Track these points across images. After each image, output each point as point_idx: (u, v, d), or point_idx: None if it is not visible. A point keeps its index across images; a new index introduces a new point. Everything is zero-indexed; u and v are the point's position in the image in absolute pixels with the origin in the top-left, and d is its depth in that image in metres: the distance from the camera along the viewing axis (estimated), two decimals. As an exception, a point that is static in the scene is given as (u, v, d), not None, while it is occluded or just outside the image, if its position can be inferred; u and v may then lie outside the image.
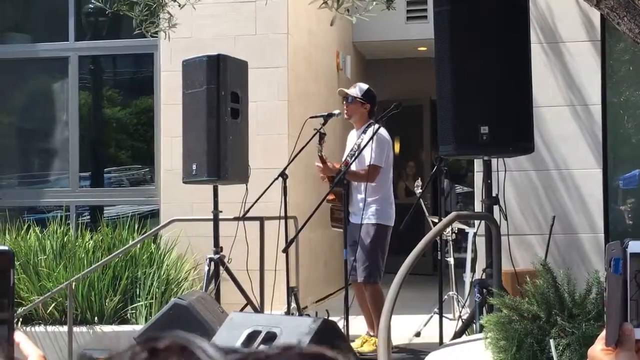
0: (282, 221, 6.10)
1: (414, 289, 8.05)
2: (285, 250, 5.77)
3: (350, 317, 5.87)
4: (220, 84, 6.10)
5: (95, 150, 9.39)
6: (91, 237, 7.69)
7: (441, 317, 6.01)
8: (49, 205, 8.92)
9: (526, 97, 4.79)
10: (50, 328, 7.16)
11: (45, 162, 9.34)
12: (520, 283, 4.20)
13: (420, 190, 6.67)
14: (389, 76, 11.98)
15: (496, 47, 4.74)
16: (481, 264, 5.77)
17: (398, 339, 6.46)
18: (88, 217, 8.95)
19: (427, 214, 7.18)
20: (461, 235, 7.64)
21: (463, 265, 7.63)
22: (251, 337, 4.85)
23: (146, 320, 6.77)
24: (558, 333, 3.43)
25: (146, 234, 7.24)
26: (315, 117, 6.27)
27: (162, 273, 7.32)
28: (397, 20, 9.98)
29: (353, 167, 6.30)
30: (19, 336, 1.07)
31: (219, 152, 6.07)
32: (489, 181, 4.99)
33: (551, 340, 3.02)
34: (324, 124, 6.12)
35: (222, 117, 6.09)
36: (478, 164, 6.21)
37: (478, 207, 6.12)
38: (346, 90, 6.52)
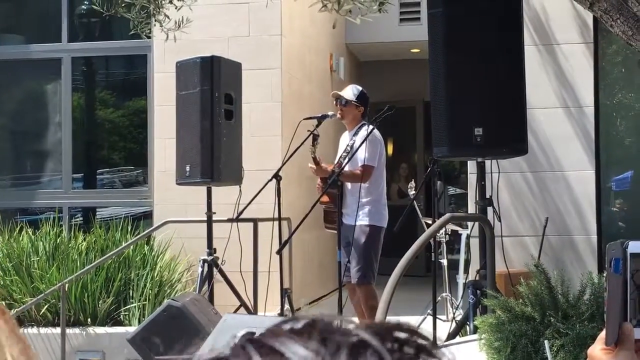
0: (276, 223, 6.10)
1: (408, 290, 8.05)
2: (279, 252, 5.76)
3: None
4: (213, 86, 6.09)
5: (88, 152, 9.38)
6: (84, 239, 7.68)
7: (435, 318, 6.00)
8: (41, 206, 8.90)
9: (520, 98, 4.80)
10: (43, 330, 7.14)
11: (38, 163, 9.31)
12: (514, 284, 4.21)
13: (414, 192, 6.67)
14: (382, 78, 11.99)
15: (490, 48, 4.75)
16: (475, 265, 5.78)
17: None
18: (81, 218, 8.93)
19: (420, 215, 7.18)
20: (454, 237, 7.65)
21: (456, 266, 7.64)
22: (245, 338, 4.84)
23: (139, 321, 6.76)
24: (552, 334, 3.43)
25: (139, 236, 7.23)
26: (309, 118, 6.27)
27: (155, 275, 7.31)
28: (390, 22, 9.99)
29: (347, 168, 6.30)
30: None
31: (213, 154, 6.07)
32: (483, 183, 5.00)
33: (546, 341, 3.03)
34: (317, 126, 6.12)
35: (215, 119, 6.09)
36: (471, 166, 6.22)
37: (471, 208, 6.13)
38: (340, 93, 6.52)
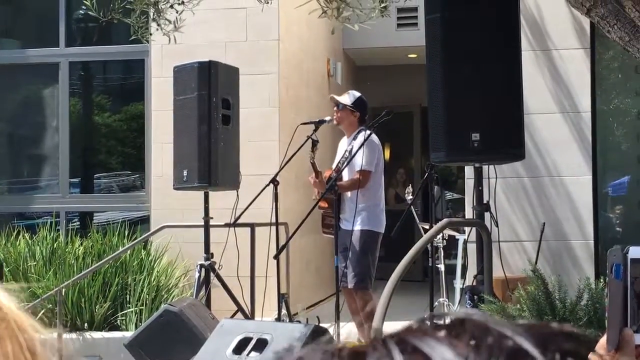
0: (273, 227, 6.10)
1: (405, 295, 8.05)
2: (277, 257, 5.76)
3: (340, 324, 5.86)
4: (211, 91, 6.09)
5: (85, 156, 9.37)
6: (81, 244, 7.67)
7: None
8: (38, 211, 8.89)
9: (517, 103, 4.81)
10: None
11: (35, 168, 9.31)
12: (512, 289, 4.21)
13: (411, 197, 6.67)
14: (380, 83, 11.99)
15: (487, 54, 4.76)
16: (472, 270, 5.78)
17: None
18: (78, 223, 8.92)
19: (417, 220, 7.18)
20: (452, 242, 7.64)
21: (454, 271, 7.63)
22: (242, 343, 4.84)
23: (136, 326, 6.74)
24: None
25: (136, 240, 7.22)
26: (307, 123, 6.27)
27: (152, 279, 7.30)
28: (387, 27, 9.98)
29: (345, 173, 6.30)
30: None
31: (210, 159, 6.07)
32: (480, 188, 5.00)
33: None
34: (315, 131, 6.12)
35: (213, 124, 6.09)
36: (469, 171, 6.23)
37: (468, 213, 6.13)
38: (336, 97, 6.52)
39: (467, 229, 6.50)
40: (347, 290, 6.32)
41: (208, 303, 6.28)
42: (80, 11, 8.76)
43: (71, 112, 8.93)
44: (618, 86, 6.91)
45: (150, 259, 7.59)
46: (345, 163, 6.21)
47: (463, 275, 6.81)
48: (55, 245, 7.65)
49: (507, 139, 4.76)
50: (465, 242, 6.64)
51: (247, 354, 4.76)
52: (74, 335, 7.03)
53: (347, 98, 6.44)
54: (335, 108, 6.47)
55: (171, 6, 4.97)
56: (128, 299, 7.21)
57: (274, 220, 6.05)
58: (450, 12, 4.77)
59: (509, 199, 6.56)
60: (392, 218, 6.45)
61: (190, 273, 7.30)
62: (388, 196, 9.27)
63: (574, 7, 4.17)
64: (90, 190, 9.18)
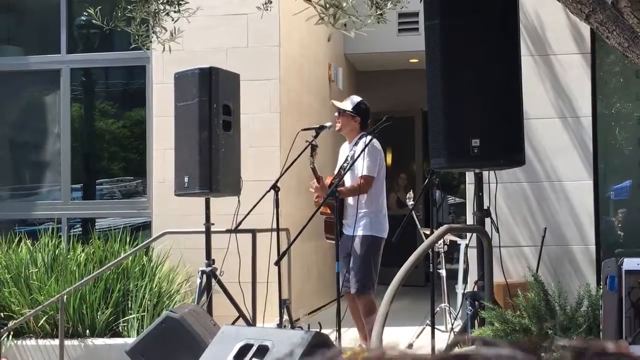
0: (274, 233, 6.10)
1: (406, 300, 8.05)
2: (278, 263, 5.76)
3: (342, 330, 5.87)
4: (212, 97, 6.10)
5: (87, 163, 9.38)
6: (83, 250, 7.67)
7: (433, 329, 6.01)
8: (40, 217, 8.90)
9: (517, 109, 4.81)
10: (41, 342, 7.13)
11: (37, 174, 9.32)
12: (512, 295, 4.21)
13: (412, 203, 6.67)
14: (381, 88, 12.00)
15: (487, 59, 4.76)
16: (473, 275, 5.78)
17: (390, 351, 6.45)
18: (80, 229, 8.93)
19: (419, 226, 7.18)
20: (453, 247, 7.65)
21: (455, 276, 7.64)
22: (243, 350, 4.84)
23: (138, 333, 6.75)
24: (549, 346, 3.43)
25: (138, 247, 7.23)
26: (307, 129, 6.28)
27: (154, 286, 7.31)
28: (389, 32, 10.00)
29: (347, 179, 6.31)
30: None
31: (211, 165, 6.07)
32: (480, 194, 5.00)
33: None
34: (315, 137, 6.12)
35: (214, 130, 6.09)
36: (469, 176, 6.23)
37: (470, 219, 6.13)
38: (336, 103, 6.53)
39: (468, 234, 6.50)
40: (350, 296, 6.32)
41: (209, 309, 6.28)
42: (82, 18, 8.78)
43: (73, 119, 8.94)
44: (619, 90, 6.91)
45: (151, 265, 7.59)
46: (347, 169, 6.21)
47: (465, 280, 6.82)
48: (57, 251, 7.66)
49: (507, 145, 4.76)
50: (467, 247, 6.64)
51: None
52: (75, 342, 7.04)
53: (348, 103, 6.44)
54: (336, 114, 6.48)
55: (167, 14, 4.98)
56: (130, 306, 7.21)
57: (275, 226, 6.05)
58: (450, 19, 4.77)
59: (509, 205, 6.56)
60: (394, 223, 6.46)
61: (192, 279, 7.30)
62: (389, 201, 9.28)
63: (573, 14, 4.18)
64: (92, 196, 9.20)
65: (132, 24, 5.00)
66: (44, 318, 7.14)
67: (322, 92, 9.74)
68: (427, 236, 6.45)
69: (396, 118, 6.15)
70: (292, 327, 6.01)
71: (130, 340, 6.30)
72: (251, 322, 6.34)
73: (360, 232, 6.23)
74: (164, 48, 5.05)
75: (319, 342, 4.75)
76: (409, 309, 8.09)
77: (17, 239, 7.93)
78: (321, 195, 6.26)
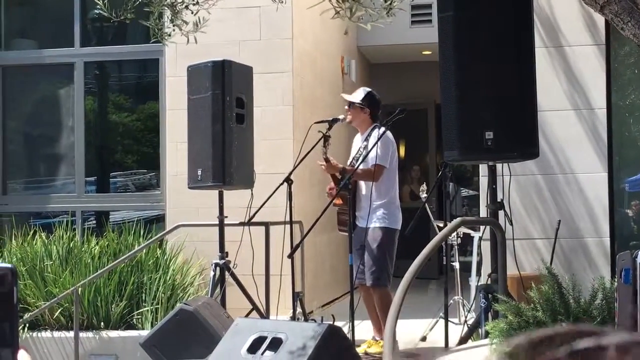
0: (288, 226, 6.11)
1: (420, 293, 8.05)
2: (291, 256, 5.77)
3: (355, 322, 5.87)
4: (225, 90, 6.11)
5: (100, 156, 9.41)
6: (97, 243, 7.71)
7: (447, 321, 6.01)
8: (55, 210, 8.95)
9: (531, 101, 4.78)
10: (56, 333, 7.17)
11: (51, 167, 9.36)
12: (526, 288, 4.20)
13: (426, 195, 6.66)
14: (394, 80, 11.98)
15: (500, 51, 4.74)
16: (486, 268, 5.77)
17: (404, 343, 6.46)
18: (94, 222, 8.97)
19: (432, 218, 7.17)
20: (467, 239, 7.64)
21: (469, 268, 7.62)
22: (256, 342, 4.85)
23: (152, 325, 6.78)
24: (563, 339, 3.42)
25: (152, 240, 7.25)
26: (320, 122, 6.27)
27: (167, 278, 7.33)
28: (401, 24, 9.98)
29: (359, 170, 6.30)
30: (22, 356, 1.07)
31: (224, 158, 6.08)
32: (494, 186, 4.99)
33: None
34: (329, 129, 6.12)
35: (227, 123, 6.10)
36: (483, 169, 6.21)
37: (483, 211, 6.11)
38: (345, 96, 6.52)
39: (481, 226, 6.49)
40: (365, 288, 6.32)
41: (223, 302, 6.30)
42: (95, 11, 8.79)
43: (86, 112, 8.98)
44: (634, 82, 6.87)
45: (165, 258, 7.62)
46: (360, 160, 6.20)
47: (478, 273, 6.80)
48: (71, 244, 7.70)
49: (520, 138, 4.74)
50: (480, 239, 6.63)
51: (262, 353, 4.77)
52: (90, 334, 7.07)
53: (356, 95, 6.43)
54: (346, 107, 6.47)
55: (186, 7, 4.98)
56: (144, 298, 7.24)
57: (288, 219, 6.06)
58: (463, 10, 4.75)
59: (523, 197, 6.54)
60: (407, 215, 6.45)
61: (206, 272, 7.32)
62: (402, 193, 9.26)
63: (587, 5, 4.15)
64: (106, 189, 9.23)
65: (150, 18, 5.00)
66: (59, 310, 7.19)
67: (335, 84, 9.73)
68: (440, 229, 6.44)
69: (409, 110, 6.14)
70: (306, 320, 6.02)
71: (145, 333, 6.33)
72: (265, 315, 6.35)
73: (374, 224, 6.22)
74: (187, 40, 5.04)
75: (332, 335, 4.76)
76: (423, 302, 8.09)
77: (32, 231, 7.98)
78: (329, 171, 6.24)
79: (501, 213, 4.99)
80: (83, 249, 7.62)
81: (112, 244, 7.63)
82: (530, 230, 6.55)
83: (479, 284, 5.89)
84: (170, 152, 8.25)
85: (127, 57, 9.01)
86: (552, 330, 0.64)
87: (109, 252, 7.55)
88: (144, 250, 7.36)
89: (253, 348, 4.84)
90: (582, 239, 6.50)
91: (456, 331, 6.01)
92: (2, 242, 8.19)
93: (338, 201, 6.27)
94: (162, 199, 8.51)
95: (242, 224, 6.32)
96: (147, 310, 7.13)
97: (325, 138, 6.07)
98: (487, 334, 3.96)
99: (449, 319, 6.07)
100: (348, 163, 6.50)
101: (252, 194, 6.30)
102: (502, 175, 5.13)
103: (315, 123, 6.29)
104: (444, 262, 6.68)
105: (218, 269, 6.33)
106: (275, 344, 4.77)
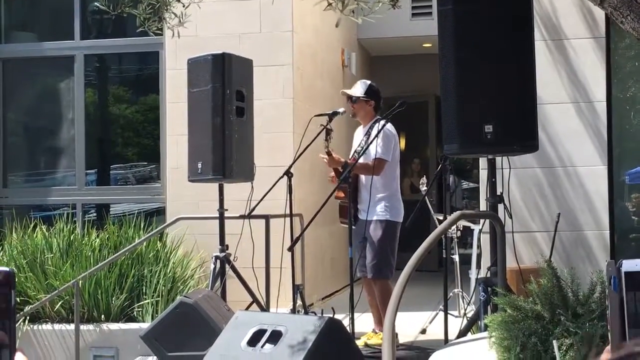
0: (288, 219, 6.12)
1: (420, 286, 8.06)
2: (291, 249, 5.78)
3: (355, 315, 5.89)
4: (225, 83, 6.11)
5: (101, 148, 9.42)
6: (97, 235, 7.72)
7: (446, 314, 6.02)
8: (55, 203, 8.96)
9: (530, 95, 4.78)
10: (57, 326, 7.19)
11: (52, 160, 9.37)
12: (525, 281, 4.21)
13: (426, 188, 6.67)
14: (395, 73, 11.98)
15: (500, 45, 4.73)
16: (486, 261, 5.78)
17: (404, 336, 6.48)
18: (94, 214, 8.98)
19: (432, 211, 7.18)
20: (466, 232, 7.64)
21: (468, 261, 7.63)
22: (256, 335, 4.87)
23: (152, 318, 6.80)
24: (562, 333, 3.43)
25: (152, 232, 7.26)
26: (320, 115, 6.28)
27: (168, 271, 7.35)
28: (402, 16, 9.98)
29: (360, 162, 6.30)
30: (19, 358, 1.08)
31: (225, 151, 6.09)
32: (494, 180, 4.99)
33: (554, 342, 3.03)
34: (329, 122, 6.12)
35: (227, 116, 6.10)
36: (483, 162, 6.22)
37: (482, 205, 6.12)
38: (347, 92, 6.52)
39: (481, 219, 6.49)
40: (367, 280, 6.34)
41: (223, 294, 6.32)
42: (95, 4, 8.79)
43: (86, 104, 8.98)
44: (634, 75, 6.86)
45: (165, 250, 7.63)
46: (361, 153, 6.21)
47: (478, 265, 6.81)
48: (72, 237, 7.71)
49: (520, 131, 4.74)
50: (480, 232, 6.63)
51: (262, 346, 4.79)
52: (90, 327, 7.09)
53: (359, 89, 6.43)
54: (349, 102, 6.47)
55: (178, 0, 4.98)
56: (144, 291, 7.26)
57: (288, 212, 6.07)
58: (463, 4, 4.74)
59: (522, 191, 6.55)
60: (407, 208, 6.47)
61: (206, 265, 7.34)
62: (403, 186, 9.27)
63: (587, -2, 4.15)
64: (106, 182, 9.24)
65: (139, 8, 4.99)
66: (60, 303, 7.20)
67: (336, 77, 9.73)
68: (440, 222, 6.45)
69: (409, 103, 6.14)
70: (306, 313, 6.04)
71: (145, 325, 6.35)
72: (265, 308, 6.37)
73: (376, 217, 6.24)
74: (173, 34, 5.05)
75: (332, 328, 4.77)
76: (422, 295, 8.11)
77: (32, 224, 7.99)
78: (331, 165, 6.25)
79: (501, 206, 4.99)
80: (83, 241, 7.63)
81: (112, 237, 7.65)
82: (529, 223, 6.56)
83: (479, 276, 5.90)
84: (170, 144, 8.25)
85: (128, 49, 9.01)
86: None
87: (110, 245, 7.56)
88: (145, 243, 7.38)
89: (253, 341, 4.85)
90: (582, 232, 6.51)
91: (456, 324, 6.02)
92: (3, 234, 8.21)
93: (339, 194, 6.27)
94: (162, 191, 8.52)
95: (242, 216, 6.33)
96: (148, 302, 7.15)
97: (327, 131, 6.08)
98: (486, 327, 3.97)
99: (448, 311, 6.09)
100: (350, 156, 6.51)
101: (252, 187, 6.31)
102: (502, 169, 5.14)
103: (315, 116, 6.30)
104: (444, 255, 6.68)
105: (218, 261, 6.34)
106: (275, 337, 4.79)
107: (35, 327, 7.18)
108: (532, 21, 4.90)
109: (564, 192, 6.56)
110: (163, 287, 7.20)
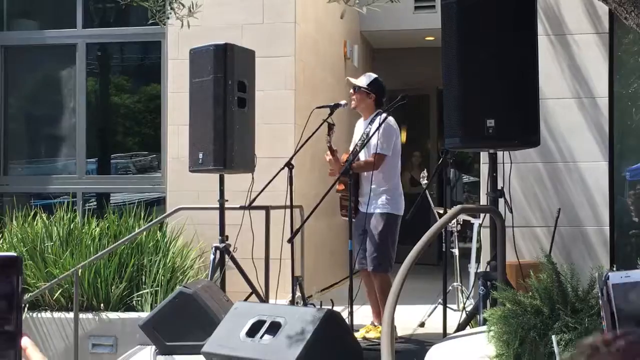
0: (288, 210, 6.12)
1: (419, 279, 8.07)
2: (291, 240, 5.78)
3: (354, 307, 5.89)
4: (227, 73, 6.10)
5: (102, 137, 9.42)
6: (97, 224, 7.73)
7: (445, 308, 6.03)
8: (55, 191, 8.96)
9: (532, 90, 4.78)
10: (56, 314, 7.20)
11: (53, 148, 9.37)
12: (525, 276, 4.21)
13: (426, 182, 6.67)
14: (397, 65, 11.97)
15: (503, 39, 4.73)
16: (486, 255, 5.78)
17: (402, 329, 6.48)
18: (94, 203, 8.98)
19: (432, 205, 7.18)
20: (466, 226, 7.65)
21: (468, 255, 7.64)
22: (256, 326, 4.88)
23: (151, 307, 6.81)
24: (561, 328, 3.44)
25: (152, 222, 7.27)
26: (322, 107, 6.26)
27: (167, 261, 7.36)
28: (405, 9, 9.97)
29: (361, 156, 6.30)
30: (25, 342, 1.09)
31: (226, 141, 6.08)
32: (495, 174, 4.99)
33: (553, 337, 3.03)
34: (330, 114, 6.11)
35: (228, 106, 6.10)
36: (484, 156, 6.21)
37: (483, 199, 6.12)
38: (352, 80, 6.50)
39: (482, 213, 6.50)
40: (366, 273, 6.34)
41: (223, 285, 6.32)
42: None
43: (88, 93, 8.97)
44: (637, 70, 6.85)
45: (165, 240, 7.64)
46: (362, 146, 6.21)
47: (477, 260, 6.82)
48: (72, 225, 7.72)
49: (522, 126, 4.74)
50: (480, 226, 6.64)
51: (261, 337, 4.80)
52: (90, 315, 7.11)
53: (363, 80, 6.42)
54: (351, 91, 6.46)
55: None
56: (144, 280, 7.27)
57: (288, 203, 6.07)
58: (466, -2, 4.73)
59: (523, 185, 6.55)
60: (408, 201, 6.46)
61: (206, 255, 7.34)
62: (403, 179, 9.27)
63: (591, -7, 4.14)
64: (107, 171, 9.24)
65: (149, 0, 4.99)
66: (59, 291, 7.22)
67: (337, 69, 9.72)
68: (440, 215, 6.45)
69: (411, 96, 6.14)
70: (305, 304, 6.04)
71: (144, 315, 6.36)
72: (264, 299, 6.37)
73: (376, 210, 6.23)
74: (182, 24, 5.05)
75: (331, 320, 4.78)
76: (422, 288, 8.11)
77: (32, 212, 8.00)
78: (334, 168, 6.27)
79: (501, 201, 4.99)
80: (83, 230, 7.64)
81: (112, 226, 7.65)
82: (530, 218, 6.56)
83: (478, 271, 5.91)
84: (171, 134, 8.25)
85: (130, 39, 9.00)
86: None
87: (110, 234, 7.57)
88: (145, 233, 7.38)
89: (252, 332, 4.86)
90: (582, 227, 6.51)
91: (454, 318, 6.03)
92: (3, 222, 8.21)
93: (340, 187, 6.27)
94: (162, 181, 8.52)
95: (242, 207, 6.33)
96: (147, 292, 7.16)
97: (330, 126, 6.07)
98: (485, 321, 3.98)
99: (447, 305, 6.09)
100: (350, 149, 6.50)
101: (252, 178, 6.31)
102: (503, 163, 5.13)
103: (317, 108, 6.29)
104: (444, 249, 6.69)
105: (218, 252, 6.34)
106: (274, 328, 4.80)
107: (35, 315, 7.20)
108: (535, 16, 4.89)
109: (565, 188, 6.56)
110: (162, 277, 7.21)
